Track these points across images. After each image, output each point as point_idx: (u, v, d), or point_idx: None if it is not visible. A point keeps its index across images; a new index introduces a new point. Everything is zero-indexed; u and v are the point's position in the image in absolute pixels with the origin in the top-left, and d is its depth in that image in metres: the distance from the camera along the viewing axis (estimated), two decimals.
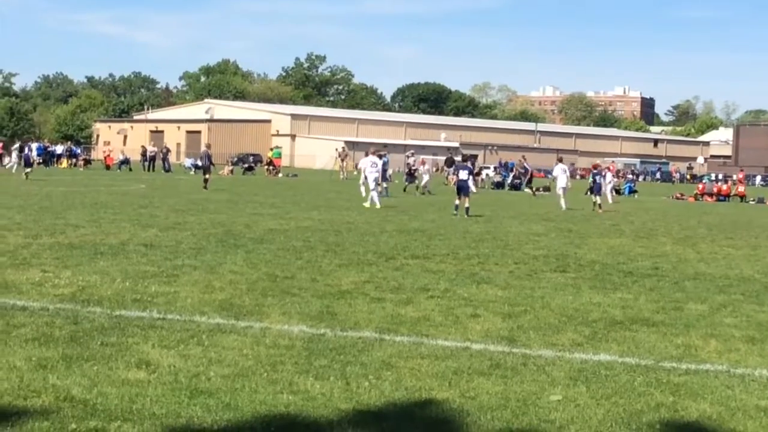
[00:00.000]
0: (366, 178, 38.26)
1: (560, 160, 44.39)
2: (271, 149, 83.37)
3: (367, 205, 35.59)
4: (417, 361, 9.63)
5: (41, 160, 78.21)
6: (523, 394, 8.53)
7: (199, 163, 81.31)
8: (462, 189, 32.77)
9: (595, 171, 42.50)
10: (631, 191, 68.19)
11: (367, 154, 40.00)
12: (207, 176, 47.11)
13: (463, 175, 33.05)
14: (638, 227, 31.10)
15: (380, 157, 42.52)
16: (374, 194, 36.04)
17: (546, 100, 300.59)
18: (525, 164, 69.92)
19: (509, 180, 71.44)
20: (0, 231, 20.78)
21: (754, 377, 9.63)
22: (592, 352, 10.45)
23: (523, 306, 13.33)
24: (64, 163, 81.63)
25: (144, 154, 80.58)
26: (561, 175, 42.05)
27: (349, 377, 8.87)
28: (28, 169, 52.98)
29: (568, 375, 9.34)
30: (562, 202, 40.52)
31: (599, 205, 39.50)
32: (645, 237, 26.79)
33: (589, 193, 42.09)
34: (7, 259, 16.11)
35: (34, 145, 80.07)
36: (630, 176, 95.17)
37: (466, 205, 32.25)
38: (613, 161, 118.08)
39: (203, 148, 49.91)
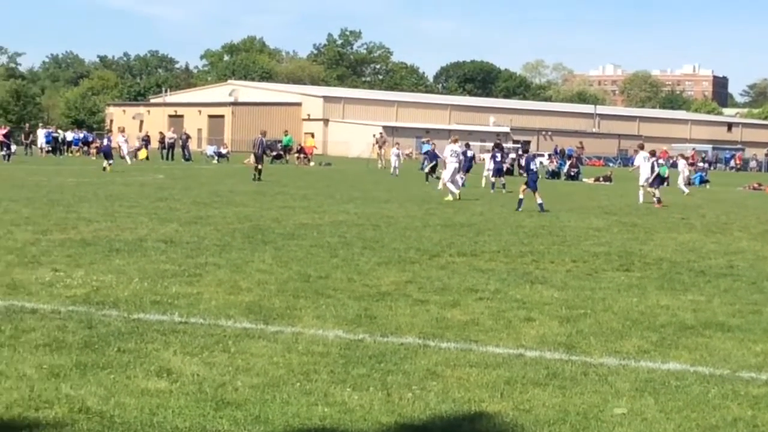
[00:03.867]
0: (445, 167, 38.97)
1: (642, 147, 43.63)
2: (285, 134, 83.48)
3: (450, 198, 35.95)
4: (465, 370, 9.63)
5: (50, 148, 78.87)
6: (584, 407, 8.51)
7: (223, 150, 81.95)
8: (530, 183, 32.66)
9: (653, 159, 41.77)
10: (703, 181, 67.84)
11: (454, 142, 40.33)
12: (259, 166, 47.46)
13: (533, 167, 33.16)
14: (710, 221, 30.90)
15: (467, 146, 43.14)
16: (450, 185, 36.76)
17: (606, 79, 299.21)
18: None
19: (565, 169, 71.24)
20: (7, 226, 20.97)
21: None
22: (661, 361, 10.40)
23: (583, 309, 13.29)
24: (77, 151, 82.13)
25: (162, 140, 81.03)
26: (643, 164, 41.46)
27: (391, 388, 8.89)
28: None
29: (634, 386, 9.30)
30: (641, 194, 40.25)
31: (658, 198, 39.02)
32: (718, 232, 26.62)
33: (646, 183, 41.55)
34: (15, 257, 16.26)
35: (42, 132, 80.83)
36: (701, 164, 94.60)
37: (539, 200, 32.09)
38: (694, 148, 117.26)
39: (257, 135, 50.21)
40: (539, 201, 32.08)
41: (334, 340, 10.72)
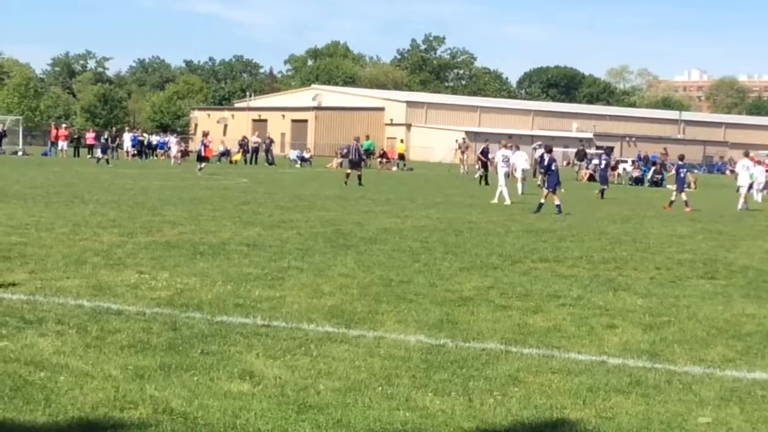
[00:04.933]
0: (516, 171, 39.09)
1: (746, 155, 43.72)
2: (366, 139, 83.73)
3: (508, 202, 36.01)
4: (547, 376, 9.58)
5: (135, 152, 79.83)
6: (668, 416, 8.43)
7: (306, 155, 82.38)
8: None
9: (681, 164, 41.04)
10: None
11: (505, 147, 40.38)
12: (359, 172, 47.64)
13: (554, 167, 33.23)
14: None
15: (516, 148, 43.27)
16: (504, 190, 36.73)
17: (691, 85, 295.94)
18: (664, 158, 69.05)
19: (649, 175, 70.57)
20: (93, 228, 21.25)
21: None
22: (746, 370, 10.27)
23: (667, 316, 13.16)
24: (162, 155, 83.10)
25: (243, 145, 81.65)
26: (743, 172, 41.32)
27: (472, 393, 8.87)
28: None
29: (719, 395, 9.19)
30: (740, 201, 39.92)
31: (686, 202, 38.48)
32: None
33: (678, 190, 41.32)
34: (101, 259, 16.47)
35: (128, 135, 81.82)
36: None
37: (557, 202, 32.17)
38: None
39: (353, 141, 50.60)
40: (557, 203, 32.22)
41: (415, 345, 10.72)
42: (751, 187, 42.22)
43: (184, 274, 15.03)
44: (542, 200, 32.64)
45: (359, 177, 47.15)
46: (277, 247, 19.20)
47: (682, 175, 39.40)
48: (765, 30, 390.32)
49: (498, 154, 40.08)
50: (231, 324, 11.45)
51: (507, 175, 38.19)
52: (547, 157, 34.51)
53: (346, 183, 46.59)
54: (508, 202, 36.11)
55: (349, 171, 48.18)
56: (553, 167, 33.18)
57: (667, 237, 25.25)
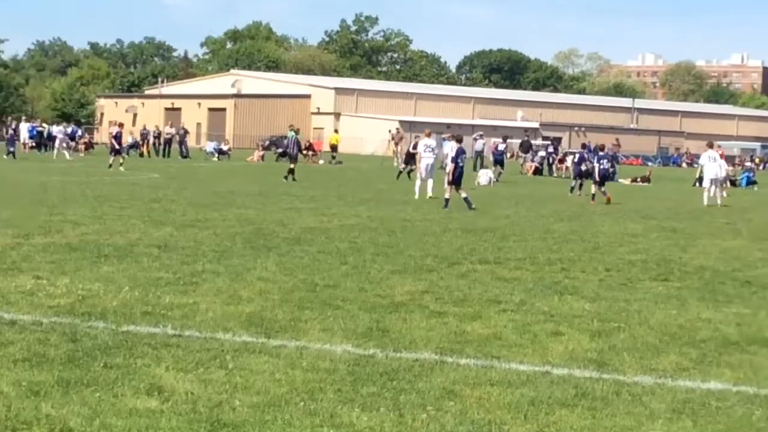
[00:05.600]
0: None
1: (710, 146, 43.93)
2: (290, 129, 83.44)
3: (430, 195, 36.11)
4: (485, 389, 9.62)
5: (34, 144, 79.09)
6: (616, 430, 8.50)
7: (224, 147, 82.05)
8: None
9: (601, 153, 41.41)
10: (750, 182, 67.59)
11: (428, 136, 40.38)
12: (292, 166, 47.52)
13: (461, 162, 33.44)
14: (758, 226, 30.83)
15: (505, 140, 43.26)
16: (429, 182, 36.78)
17: (646, 70, 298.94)
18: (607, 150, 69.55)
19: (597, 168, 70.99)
20: None
21: None
22: (700, 379, 10.38)
23: (616, 322, 13.27)
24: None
25: (146, 135, 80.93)
26: (709, 164, 41.64)
27: (403, 408, 8.88)
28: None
29: (671, 407, 9.28)
30: (705, 196, 40.27)
31: (593, 195, 39.07)
32: (767, 238, 26.54)
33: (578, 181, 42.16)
34: None
35: (25, 126, 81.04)
36: (748, 164, 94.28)
37: (464, 195, 32.68)
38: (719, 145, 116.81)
39: (291, 132, 50.41)
40: (464, 195, 32.63)
41: (342, 356, 10.73)
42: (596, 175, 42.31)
43: (86, 280, 14.91)
44: (447, 195, 32.81)
45: (292, 171, 47.12)
46: (190, 248, 19.10)
47: (604, 165, 40.00)
48: (723, 12, 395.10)
49: (420, 144, 39.96)
50: (138, 334, 11.38)
51: (430, 167, 37.83)
52: (455, 148, 34.33)
53: (286, 178, 46.45)
54: (430, 194, 36.19)
55: (292, 166, 48.10)
56: (459, 160, 33.15)
57: (618, 236, 25.45)
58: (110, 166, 52.11)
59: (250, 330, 11.85)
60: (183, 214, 26.31)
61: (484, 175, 53.38)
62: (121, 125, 59.46)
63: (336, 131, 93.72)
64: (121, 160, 53.84)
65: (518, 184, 53.54)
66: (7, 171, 46.85)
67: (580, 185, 43.59)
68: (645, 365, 10.91)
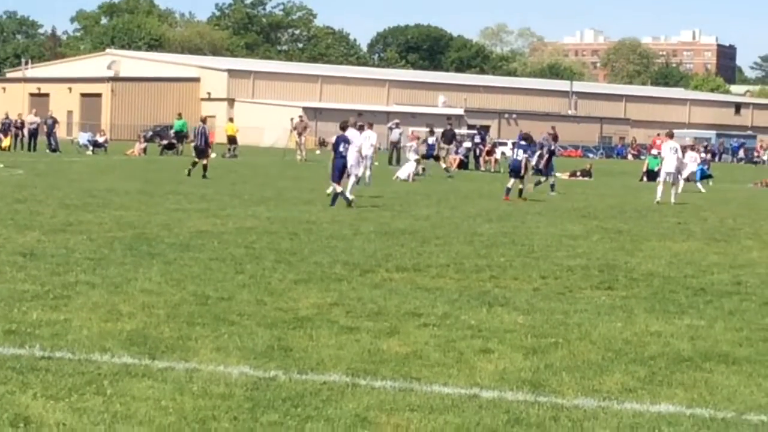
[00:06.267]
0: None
1: (670, 136, 44.36)
2: (178, 117, 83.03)
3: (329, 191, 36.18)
4: (404, 415, 9.66)
5: None
6: None
7: (99, 138, 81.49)
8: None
9: (522, 142, 42.01)
10: (704, 176, 68.19)
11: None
12: (204, 161, 47.29)
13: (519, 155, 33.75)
14: (714, 226, 31.20)
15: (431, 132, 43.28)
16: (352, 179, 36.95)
17: (585, 48, 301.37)
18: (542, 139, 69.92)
19: (533, 161, 71.47)
20: None
21: None
22: (650, 401, 10.49)
23: (553, 337, 13.37)
24: None
25: (7, 125, 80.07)
26: (669, 155, 41.98)
27: None
28: None
29: None
30: (659, 190, 40.55)
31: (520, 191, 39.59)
32: (723, 240, 26.87)
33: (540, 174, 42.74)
34: None
35: None
36: (702, 155, 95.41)
37: (339, 189, 32.78)
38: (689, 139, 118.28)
39: (198, 123, 50.07)
40: (339, 190, 33.04)
41: (238, 379, 10.71)
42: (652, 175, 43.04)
43: None
44: (337, 190, 33.00)
45: (204, 167, 46.92)
46: (61, 256, 18.96)
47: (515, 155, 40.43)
48: None
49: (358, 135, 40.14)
50: (0, 356, 11.28)
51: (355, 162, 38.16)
52: (333, 137, 34.82)
53: (189, 173, 46.19)
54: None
55: (196, 160, 47.85)
56: (341, 148, 33.39)
57: (555, 238, 25.61)
58: None
59: (131, 350, 11.80)
60: (52, 217, 26.09)
61: (405, 169, 53.49)
62: None
63: (231, 120, 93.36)
64: None
65: (440, 179, 53.65)
66: None
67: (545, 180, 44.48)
68: (586, 386, 11.00)
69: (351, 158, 36.91)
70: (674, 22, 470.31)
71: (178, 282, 16.55)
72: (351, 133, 38.97)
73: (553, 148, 48.16)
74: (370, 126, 42.17)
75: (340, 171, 33.23)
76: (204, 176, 45.82)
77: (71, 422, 9.07)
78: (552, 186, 44.47)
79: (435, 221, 29.10)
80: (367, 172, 43.35)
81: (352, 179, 36.51)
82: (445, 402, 10.16)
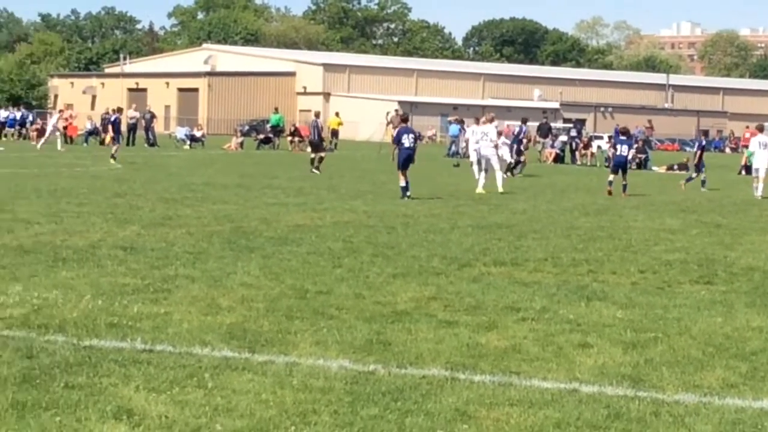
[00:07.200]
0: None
1: (761, 130, 43.40)
2: (274, 112, 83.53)
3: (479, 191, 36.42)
4: (504, 410, 9.63)
5: None
6: None
7: (197, 133, 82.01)
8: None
9: (622, 137, 41.19)
10: None
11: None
12: (321, 154, 47.65)
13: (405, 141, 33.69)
14: None
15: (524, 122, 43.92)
16: (499, 174, 37.39)
17: (681, 41, 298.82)
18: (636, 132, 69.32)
19: (630, 155, 70.92)
20: None
21: None
22: (752, 397, 10.38)
23: (653, 332, 13.27)
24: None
25: (108, 120, 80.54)
26: (759, 151, 41.23)
27: None
28: None
29: (718, 428, 9.30)
30: (759, 186, 40.01)
31: (624, 186, 38.83)
32: None
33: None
34: None
35: None
36: None
37: (402, 182, 32.97)
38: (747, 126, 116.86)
39: (312, 117, 50.56)
40: (402, 183, 33.08)
41: (338, 373, 10.73)
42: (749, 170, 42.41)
43: (42, 287, 14.91)
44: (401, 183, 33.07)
45: (319, 160, 47.15)
46: (161, 250, 19.10)
47: (620, 150, 39.74)
48: None
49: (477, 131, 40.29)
50: (103, 349, 11.38)
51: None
52: (398, 128, 35.08)
53: (318, 169, 46.41)
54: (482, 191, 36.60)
55: (313, 155, 48.14)
56: (404, 140, 33.39)
57: (653, 232, 25.44)
58: (113, 156, 51.77)
59: (231, 344, 11.85)
60: (151, 211, 26.30)
61: (499, 177, 53.28)
62: (119, 110, 59.86)
63: (337, 114, 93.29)
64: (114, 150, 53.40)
65: (537, 173, 53.45)
66: None
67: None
68: (687, 381, 10.90)
69: (487, 152, 37.46)
70: None
71: (276, 276, 16.61)
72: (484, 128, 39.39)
73: (704, 144, 47.39)
74: (491, 120, 41.41)
75: (404, 162, 33.27)
76: (317, 168, 46.03)
77: (173, 415, 9.13)
78: (703, 182, 43.75)
79: (532, 215, 29.01)
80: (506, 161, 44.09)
81: (499, 174, 37.06)
82: (544, 396, 10.11)
